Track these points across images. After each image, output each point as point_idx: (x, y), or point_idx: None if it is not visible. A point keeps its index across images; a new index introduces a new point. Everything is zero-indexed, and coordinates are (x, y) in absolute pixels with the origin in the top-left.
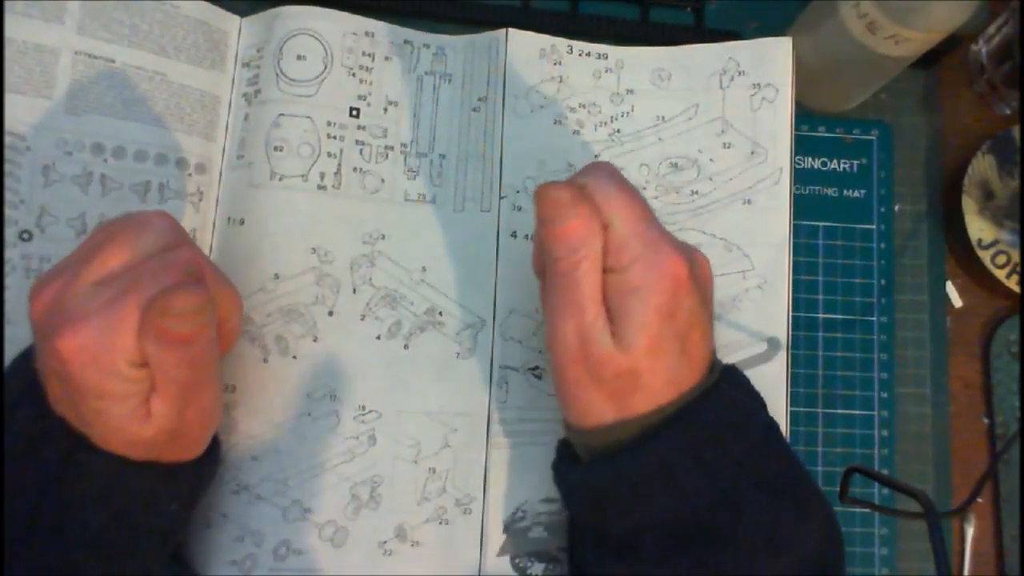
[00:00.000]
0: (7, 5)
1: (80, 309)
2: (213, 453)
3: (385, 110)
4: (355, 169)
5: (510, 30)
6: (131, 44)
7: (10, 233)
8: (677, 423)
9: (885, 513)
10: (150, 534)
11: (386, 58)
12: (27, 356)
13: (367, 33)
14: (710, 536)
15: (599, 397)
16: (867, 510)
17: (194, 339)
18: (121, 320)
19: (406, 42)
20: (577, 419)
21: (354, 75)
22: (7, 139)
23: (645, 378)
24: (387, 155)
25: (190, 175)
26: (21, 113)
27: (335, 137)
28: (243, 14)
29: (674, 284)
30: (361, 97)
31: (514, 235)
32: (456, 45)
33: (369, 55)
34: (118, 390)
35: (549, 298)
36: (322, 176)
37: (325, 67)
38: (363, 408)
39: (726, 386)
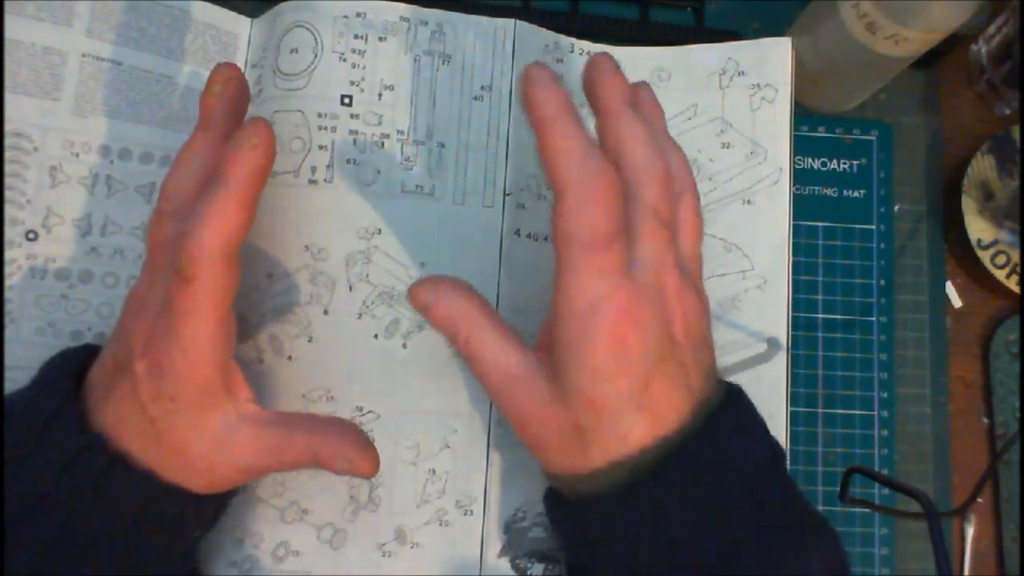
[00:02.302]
0: (17, 8)
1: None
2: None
3: (380, 95)
4: (348, 160)
5: (518, 22)
6: (139, 47)
7: (16, 233)
8: (667, 469)
9: (885, 513)
10: (171, 559)
11: (380, 38)
12: (62, 364)
13: (358, 14)
14: None
15: (548, 449)
16: (867, 510)
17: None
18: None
19: (402, 19)
20: (541, 464)
21: (345, 60)
22: (15, 140)
23: (593, 434)
24: (383, 144)
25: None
26: (29, 114)
27: (326, 128)
28: (253, 15)
29: (615, 339)
30: (353, 83)
31: (517, 233)
32: (455, 22)
33: (361, 37)
34: (198, 384)
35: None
36: (313, 170)
37: (315, 56)
38: (361, 409)
39: (721, 421)
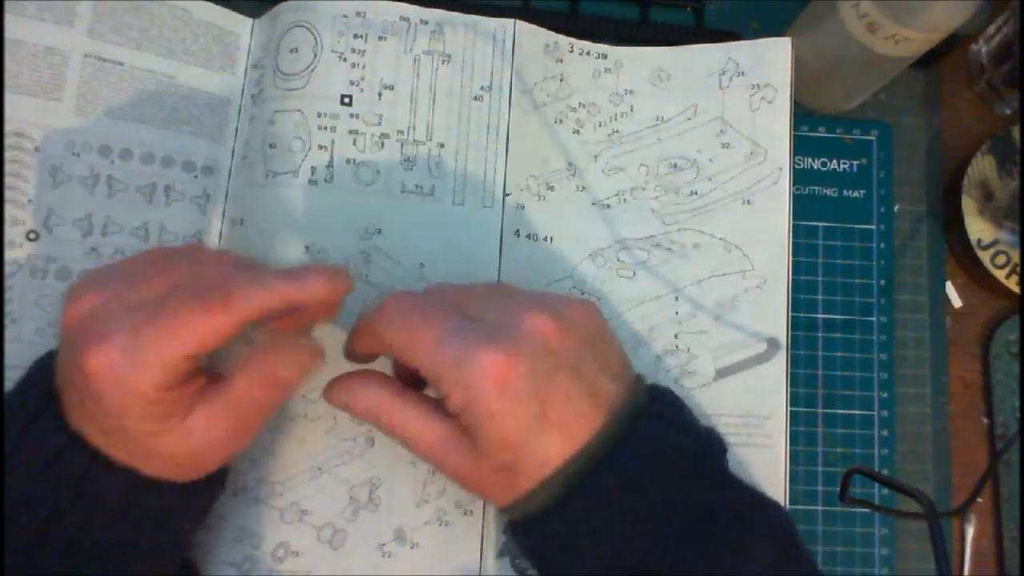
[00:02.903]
0: (19, 8)
1: (112, 327)
2: (222, 473)
3: (379, 95)
4: (348, 160)
5: (518, 22)
6: (140, 47)
7: (17, 233)
8: (592, 479)
9: (885, 513)
10: (161, 552)
11: (380, 38)
12: (46, 363)
13: (358, 13)
14: None
15: (489, 491)
16: (867, 510)
17: (295, 383)
18: (150, 344)
19: (402, 18)
20: (496, 506)
21: (345, 59)
22: (16, 140)
23: (517, 466)
24: (382, 144)
25: (196, 177)
26: (30, 115)
27: (326, 128)
28: (255, 16)
29: (494, 382)
30: (353, 83)
31: (517, 233)
32: (455, 22)
33: (361, 36)
34: (140, 412)
35: None
36: (313, 170)
37: (314, 56)
38: None
39: (644, 422)
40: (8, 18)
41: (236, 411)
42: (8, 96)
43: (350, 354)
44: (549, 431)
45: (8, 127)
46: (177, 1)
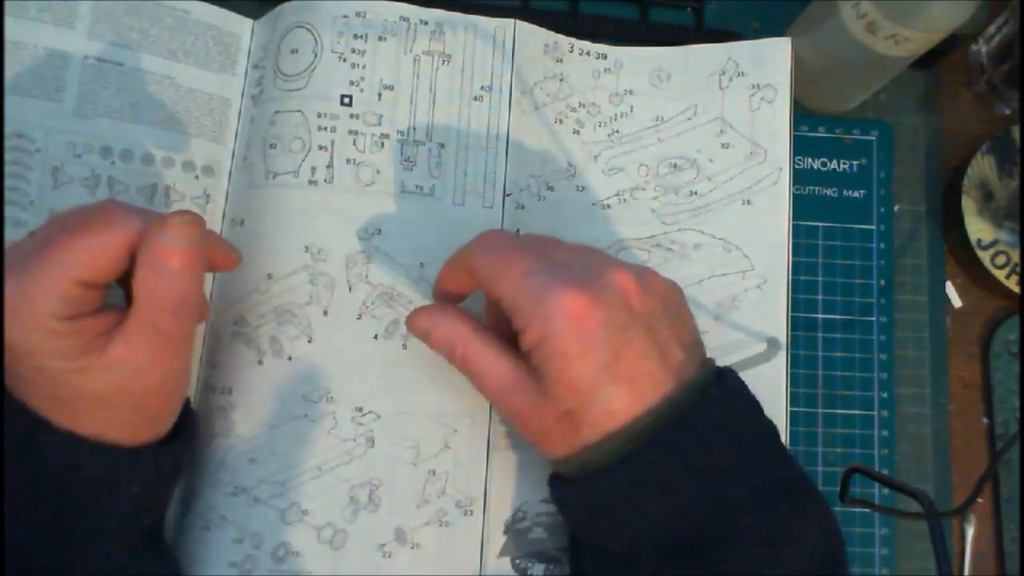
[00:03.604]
0: (19, 10)
1: (6, 273)
2: (183, 437)
3: (379, 95)
4: (348, 161)
5: (518, 22)
6: (140, 48)
7: (19, 234)
8: (663, 437)
9: (885, 513)
10: (110, 518)
11: (380, 38)
12: None
13: (358, 13)
14: (708, 543)
15: (549, 439)
16: (867, 510)
17: (191, 263)
18: (39, 273)
19: (402, 19)
20: (547, 455)
21: (345, 60)
22: (17, 141)
23: (581, 414)
24: (382, 144)
25: (196, 178)
26: (31, 116)
27: (326, 128)
28: (255, 17)
29: (572, 321)
30: (353, 83)
31: (517, 233)
32: (455, 22)
33: (361, 36)
34: (45, 347)
35: None
36: (313, 171)
37: (315, 56)
38: (360, 410)
39: (718, 393)
40: (9, 20)
41: (149, 325)
42: (9, 97)
43: (440, 291)
44: (618, 383)
45: (9, 128)
46: (177, 2)
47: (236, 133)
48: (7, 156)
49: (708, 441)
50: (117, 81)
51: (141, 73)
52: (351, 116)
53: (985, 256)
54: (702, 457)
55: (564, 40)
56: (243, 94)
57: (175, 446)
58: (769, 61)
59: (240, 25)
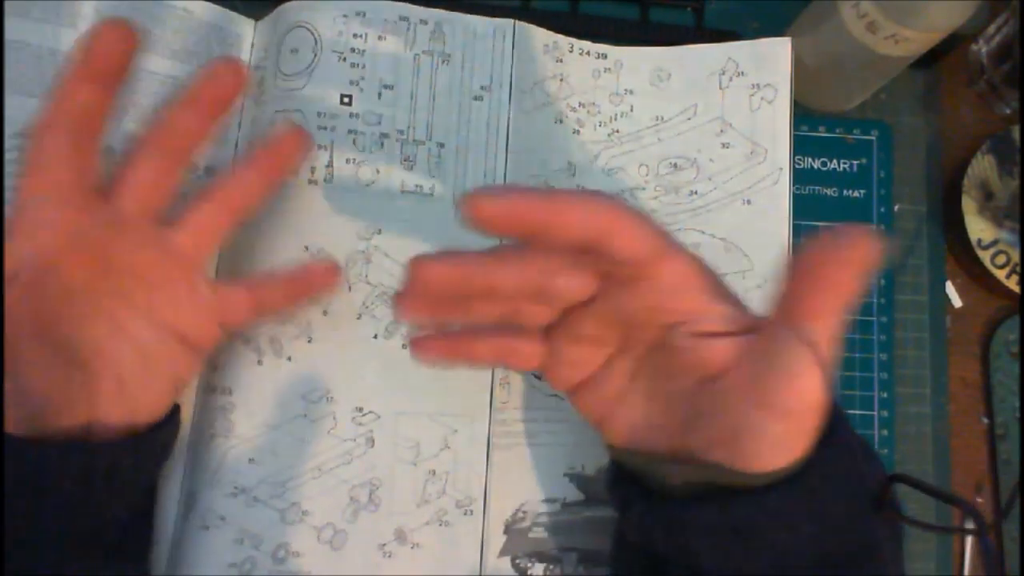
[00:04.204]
0: (21, 10)
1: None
2: (151, 438)
3: (379, 95)
4: (348, 160)
5: (517, 22)
6: (143, 49)
7: None
8: (822, 460)
9: (934, 531)
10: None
11: (380, 37)
12: None
13: (358, 13)
14: (853, 567)
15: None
16: (916, 527)
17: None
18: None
19: (402, 18)
20: (748, 464)
21: (344, 59)
22: (19, 141)
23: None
24: (382, 143)
25: (198, 177)
26: (33, 116)
27: (325, 128)
28: (257, 17)
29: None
30: (353, 82)
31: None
32: (455, 22)
33: (361, 36)
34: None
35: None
36: (312, 170)
37: (314, 56)
38: (360, 410)
39: (846, 429)
40: (11, 20)
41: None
42: (10, 97)
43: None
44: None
45: (10, 128)
46: (179, 2)
47: (237, 133)
48: (7, 156)
49: (853, 471)
50: None
51: (144, 73)
52: (351, 116)
53: (985, 256)
54: (851, 486)
55: (564, 40)
56: (244, 94)
57: (112, 445)
58: (769, 61)
59: (242, 26)
